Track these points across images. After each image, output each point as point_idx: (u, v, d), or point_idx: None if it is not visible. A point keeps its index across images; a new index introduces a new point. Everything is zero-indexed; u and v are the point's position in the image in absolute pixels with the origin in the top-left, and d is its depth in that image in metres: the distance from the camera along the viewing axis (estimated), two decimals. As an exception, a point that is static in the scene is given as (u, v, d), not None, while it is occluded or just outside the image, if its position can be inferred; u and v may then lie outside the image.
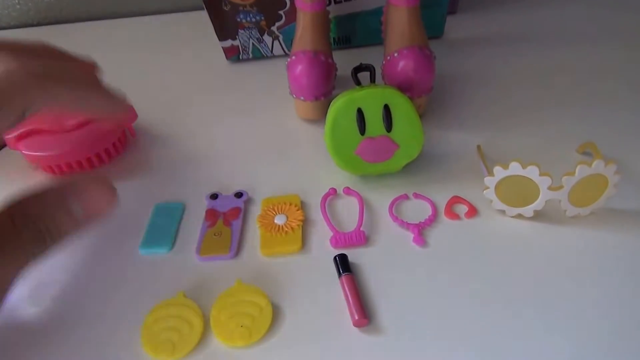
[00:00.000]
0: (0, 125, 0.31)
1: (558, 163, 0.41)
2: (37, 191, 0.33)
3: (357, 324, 0.35)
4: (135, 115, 0.53)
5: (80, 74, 0.37)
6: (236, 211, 0.43)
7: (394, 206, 0.43)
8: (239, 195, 0.45)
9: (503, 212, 0.41)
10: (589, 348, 0.33)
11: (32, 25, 0.80)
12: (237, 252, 0.41)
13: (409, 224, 0.41)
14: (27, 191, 0.32)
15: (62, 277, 0.40)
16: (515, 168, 0.38)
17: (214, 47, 0.65)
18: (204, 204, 0.45)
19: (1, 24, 0.79)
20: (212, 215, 0.43)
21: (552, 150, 0.47)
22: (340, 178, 0.46)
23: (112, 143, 0.50)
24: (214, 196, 0.45)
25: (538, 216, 0.41)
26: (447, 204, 0.43)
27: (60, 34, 0.76)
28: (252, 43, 0.63)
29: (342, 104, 0.41)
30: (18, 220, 0.31)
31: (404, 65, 0.47)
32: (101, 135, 0.48)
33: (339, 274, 0.38)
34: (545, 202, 0.39)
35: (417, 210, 0.43)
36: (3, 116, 0.31)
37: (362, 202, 0.43)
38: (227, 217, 0.43)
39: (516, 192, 0.39)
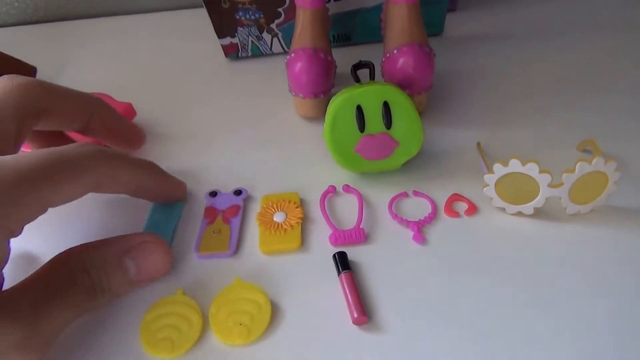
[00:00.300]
0: (70, 192, 0.32)
1: (558, 160, 0.41)
2: (98, 244, 0.35)
3: (356, 322, 0.35)
4: (134, 113, 0.53)
5: (144, 162, 0.39)
6: (235, 209, 0.43)
7: (394, 204, 0.43)
8: (238, 192, 0.45)
9: (503, 209, 0.41)
10: (590, 345, 0.33)
11: (30, 23, 0.79)
12: (236, 249, 0.41)
13: (408, 221, 0.41)
14: (88, 243, 0.34)
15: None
16: (514, 165, 0.38)
17: (213, 44, 0.65)
18: (203, 201, 0.45)
19: (-1, 21, 0.79)
20: (211, 212, 0.43)
21: (552, 148, 0.47)
22: (339, 175, 0.46)
23: (111, 141, 0.50)
24: (213, 194, 0.45)
25: (538, 214, 0.41)
26: (446, 202, 0.43)
27: (59, 32, 0.75)
28: (251, 41, 0.63)
29: (342, 101, 0.41)
30: (75, 272, 0.32)
31: (403, 62, 0.47)
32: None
33: (338, 272, 0.38)
34: (546, 199, 0.39)
35: (416, 208, 0.43)
36: (77, 184, 0.32)
37: (362, 200, 0.43)
38: (226, 215, 0.43)
39: (516, 190, 0.39)
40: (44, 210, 0.31)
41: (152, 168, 0.40)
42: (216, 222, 0.42)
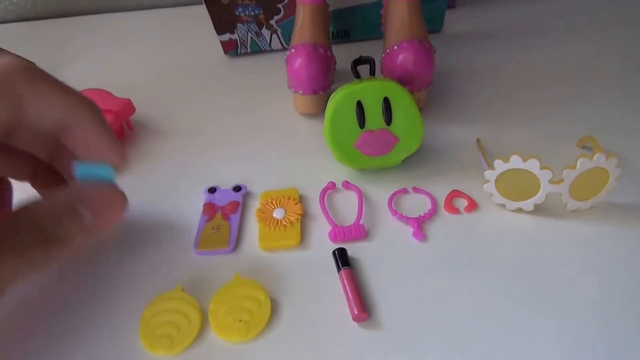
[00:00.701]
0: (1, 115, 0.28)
1: (557, 157, 0.41)
2: (47, 196, 0.31)
3: (356, 319, 0.34)
4: (133, 109, 0.53)
5: (82, 95, 0.32)
6: (234, 205, 0.43)
7: (394, 200, 0.43)
8: (237, 189, 0.44)
9: (503, 206, 0.41)
10: (589, 339, 0.33)
11: (29, 19, 0.79)
12: (236, 246, 0.40)
13: (408, 218, 0.41)
14: (37, 197, 0.31)
15: (58, 271, 0.39)
16: (515, 161, 0.38)
17: (212, 41, 0.64)
18: (202, 197, 0.44)
19: (-2, 18, 0.79)
20: (210, 209, 0.43)
21: (551, 144, 0.47)
22: (339, 172, 0.46)
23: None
24: (212, 190, 0.44)
25: (538, 210, 0.41)
26: (446, 198, 0.43)
27: (58, 29, 0.75)
28: (251, 37, 0.63)
29: (342, 96, 0.41)
30: (22, 223, 0.30)
31: (403, 58, 0.47)
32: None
33: (338, 268, 0.37)
34: (546, 195, 0.39)
35: (416, 205, 0.43)
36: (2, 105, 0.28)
37: (361, 196, 0.43)
38: (226, 211, 0.43)
39: (516, 186, 0.39)
40: None
41: (89, 102, 0.32)
42: (215, 218, 0.42)
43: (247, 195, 0.45)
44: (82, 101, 0.32)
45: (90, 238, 0.32)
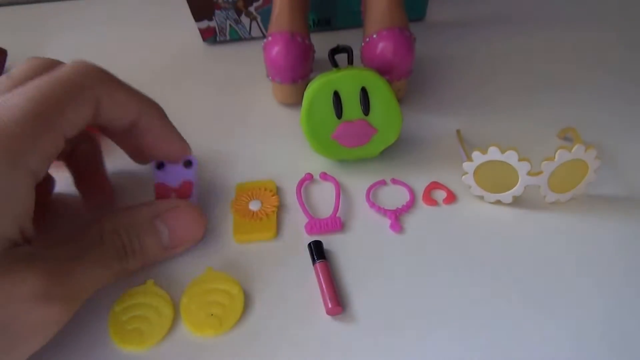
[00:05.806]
0: (78, 115, 0.31)
1: (539, 148, 0.40)
2: (129, 208, 0.35)
3: (330, 312, 0.34)
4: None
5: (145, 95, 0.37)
6: (188, 186, 0.39)
7: (372, 192, 0.42)
8: (188, 163, 0.39)
9: (482, 198, 0.41)
10: (567, 332, 0.32)
11: (6, 4, 0.77)
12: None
13: (385, 210, 0.40)
14: (122, 207, 0.35)
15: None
16: (494, 153, 0.37)
17: (190, 28, 0.63)
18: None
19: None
20: (163, 190, 0.38)
21: (532, 135, 0.46)
22: (317, 163, 0.45)
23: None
24: (160, 165, 0.39)
25: (517, 202, 0.40)
26: (425, 190, 0.42)
27: (35, 14, 0.73)
28: (229, 24, 0.62)
29: (318, 86, 0.40)
30: (105, 232, 0.33)
31: (383, 47, 0.46)
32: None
33: (313, 261, 0.37)
34: (525, 187, 0.39)
35: (394, 196, 0.42)
36: (80, 105, 0.31)
37: (339, 188, 0.42)
38: (180, 195, 0.38)
39: (495, 178, 0.39)
40: (61, 143, 0.30)
41: (155, 104, 0.37)
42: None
43: (222, 187, 0.43)
44: (151, 103, 0.37)
45: (163, 257, 0.36)
